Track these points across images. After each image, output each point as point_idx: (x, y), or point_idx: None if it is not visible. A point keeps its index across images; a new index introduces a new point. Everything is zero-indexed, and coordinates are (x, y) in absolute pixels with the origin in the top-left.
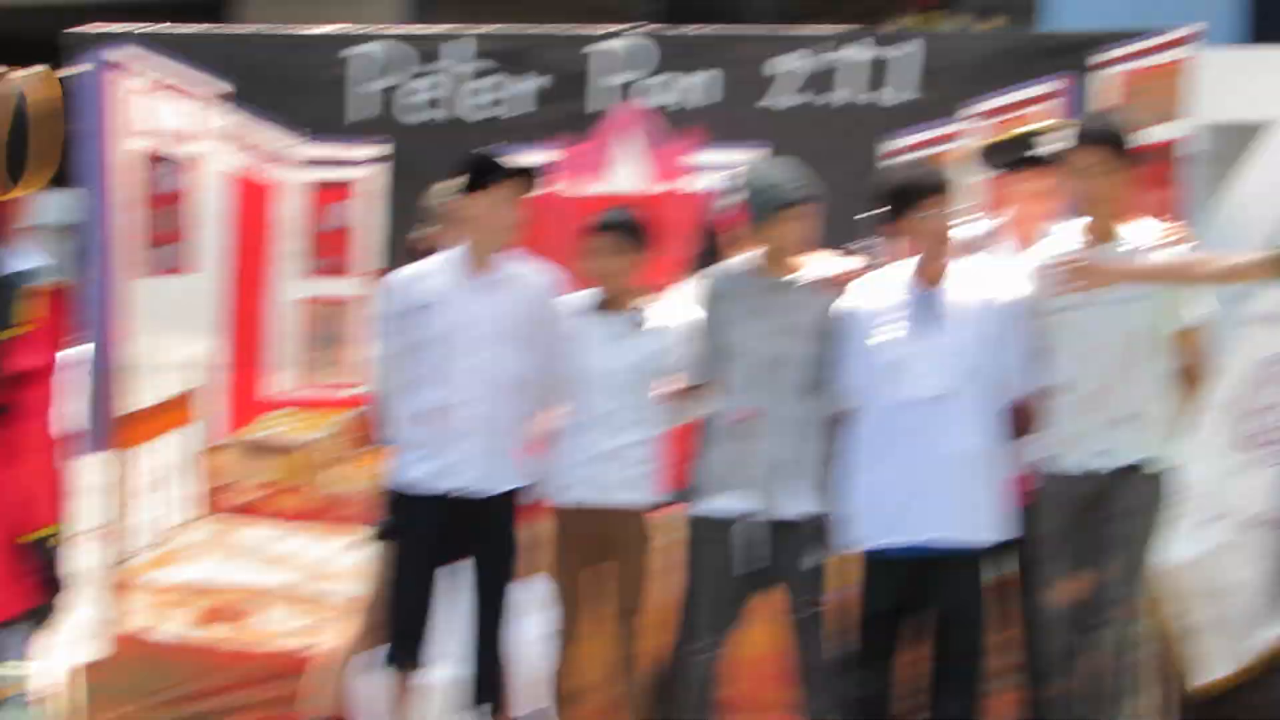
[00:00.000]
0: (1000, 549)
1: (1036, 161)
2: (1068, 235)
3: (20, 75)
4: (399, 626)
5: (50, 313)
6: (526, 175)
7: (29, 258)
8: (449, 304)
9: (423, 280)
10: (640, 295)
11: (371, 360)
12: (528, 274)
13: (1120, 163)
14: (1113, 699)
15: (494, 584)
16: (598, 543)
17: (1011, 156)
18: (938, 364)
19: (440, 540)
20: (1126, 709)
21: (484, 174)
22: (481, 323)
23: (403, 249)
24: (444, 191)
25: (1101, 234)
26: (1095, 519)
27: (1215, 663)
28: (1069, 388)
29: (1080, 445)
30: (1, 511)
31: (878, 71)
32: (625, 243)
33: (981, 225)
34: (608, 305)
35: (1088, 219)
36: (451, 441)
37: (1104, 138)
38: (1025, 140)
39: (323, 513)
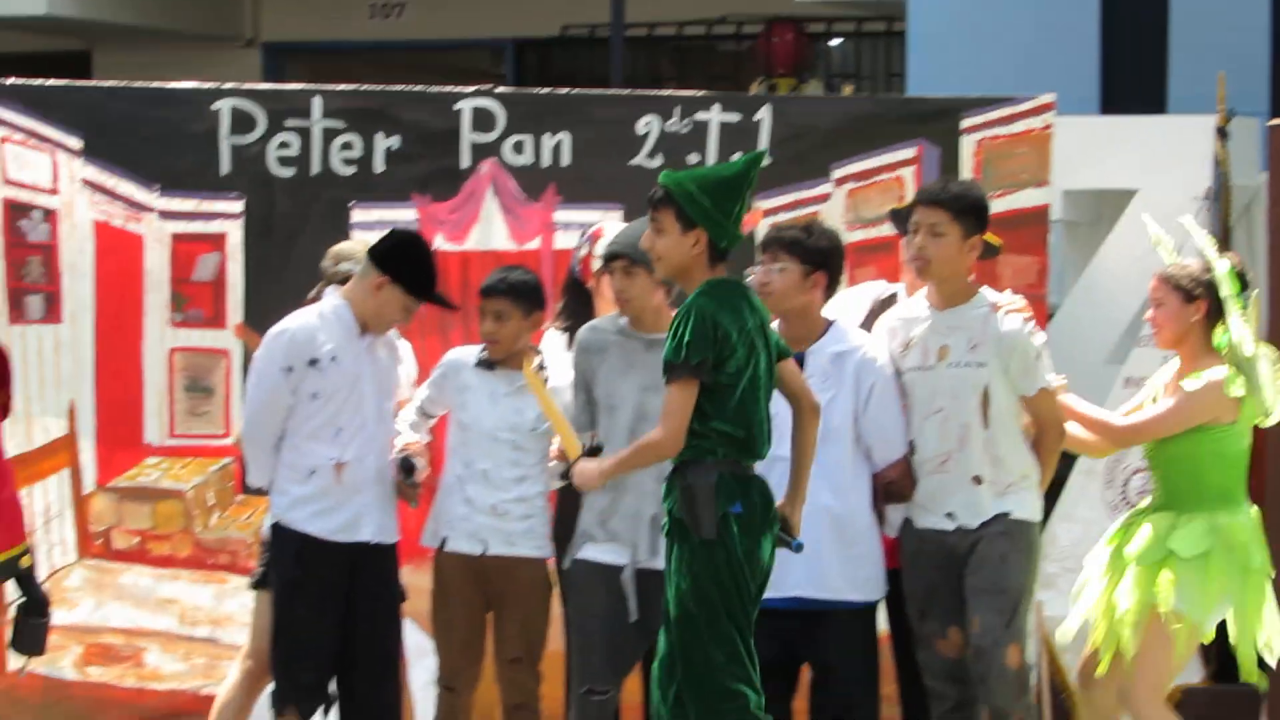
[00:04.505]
0: (876, 607)
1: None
2: (915, 300)
3: None
4: (301, 675)
5: None
6: (451, 307)
7: None
8: (340, 361)
9: (316, 334)
10: (530, 354)
11: (251, 408)
12: (387, 334)
13: (957, 225)
14: None
15: (390, 630)
16: (479, 593)
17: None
18: None
19: (341, 589)
20: None
21: (426, 290)
22: (369, 378)
23: (271, 302)
24: (346, 253)
25: (942, 298)
26: (960, 576)
27: None
28: (917, 449)
29: (932, 505)
30: None
31: (735, 135)
32: (520, 304)
33: (883, 287)
34: (498, 362)
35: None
36: (349, 495)
37: (939, 199)
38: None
39: (195, 559)
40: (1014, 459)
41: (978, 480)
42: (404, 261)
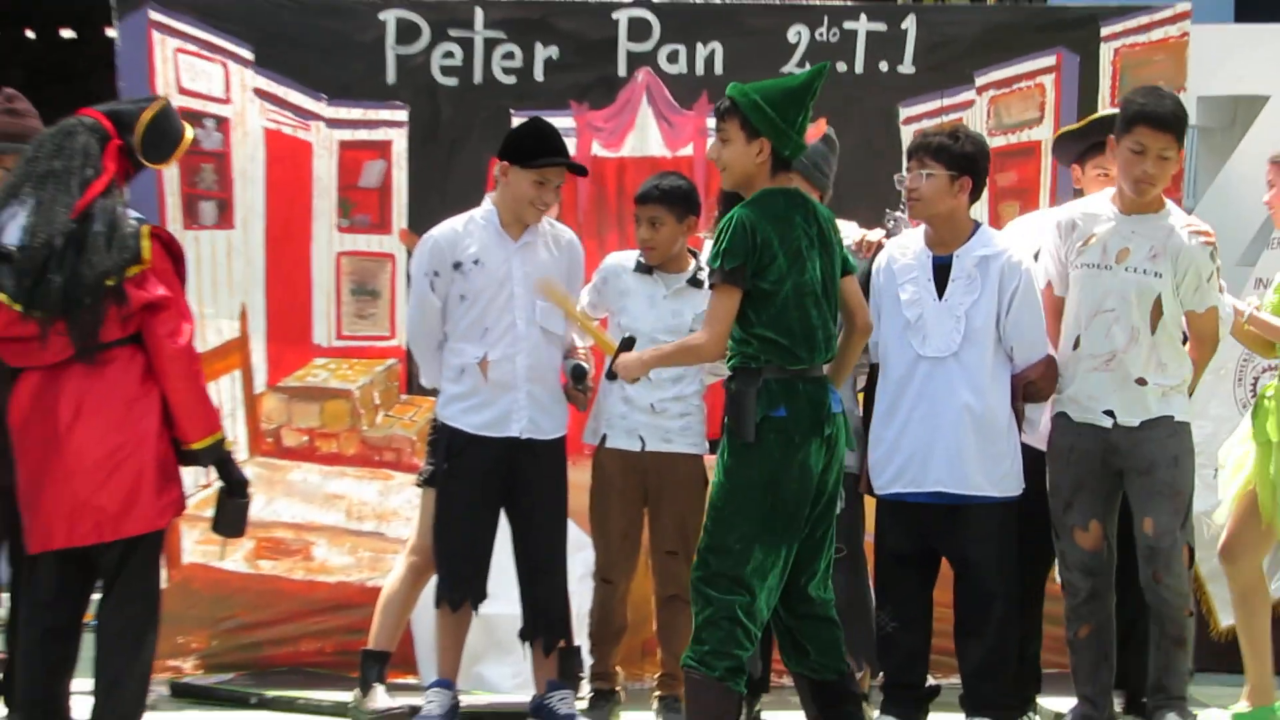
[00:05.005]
0: (1018, 502)
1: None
2: (1099, 197)
3: None
4: (455, 566)
5: (161, 250)
6: (574, 166)
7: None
8: (485, 264)
9: (460, 239)
10: (687, 258)
11: (410, 313)
12: (555, 232)
13: (1178, 144)
14: (1176, 642)
15: (547, 525)
16: (637, 487)
17: (1082, 146)
18: (949, 324)
19: (495, 483)
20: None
21: (536, 153)
22: (519, 279)
23: (434, 207)
24: None
25: (1129, 204)
26: (1115, 472)
27: (1225, 609)
28: (1080, 343)
29: (1091, 402)
30: (158, 427)
31: (881, 44)
32: (674, 209)
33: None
34: (656, 267)
35: (1119, 188)
36: (498, 392)
37: (1168, 124)
38: (1098, 126)
39: (361, 457)
40: (1175, 365)
41: (1141, 382)
42: (511, 142)
